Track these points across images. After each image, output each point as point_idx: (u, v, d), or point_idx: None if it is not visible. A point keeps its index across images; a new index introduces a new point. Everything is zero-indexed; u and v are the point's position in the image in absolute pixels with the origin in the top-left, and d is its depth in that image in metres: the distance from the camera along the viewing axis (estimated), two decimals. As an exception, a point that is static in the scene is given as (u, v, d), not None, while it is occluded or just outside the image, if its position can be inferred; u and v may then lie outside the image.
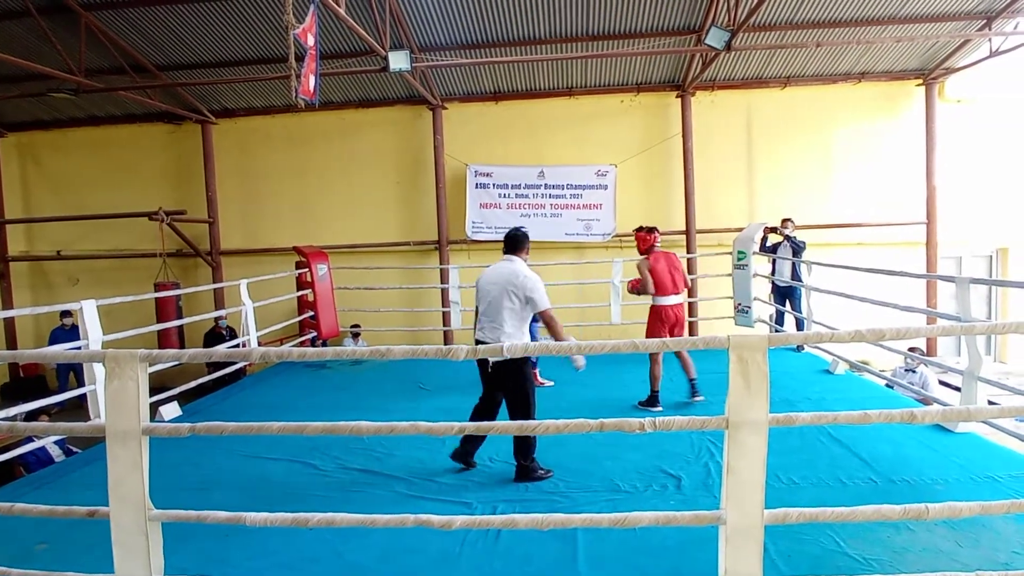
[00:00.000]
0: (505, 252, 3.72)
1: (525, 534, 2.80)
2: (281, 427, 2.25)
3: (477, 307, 3.69)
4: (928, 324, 7.60)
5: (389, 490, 3.47)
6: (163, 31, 8.00)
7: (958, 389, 4.57)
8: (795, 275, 6.71)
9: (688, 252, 9.13)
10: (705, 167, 9.26)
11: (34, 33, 7.44)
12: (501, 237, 9.94)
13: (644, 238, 5.05)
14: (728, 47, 6.72)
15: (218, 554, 2.75)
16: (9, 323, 10.44)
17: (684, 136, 9.18)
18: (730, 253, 7.22)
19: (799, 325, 6.71)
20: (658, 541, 2.74)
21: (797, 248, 6.79)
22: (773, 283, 7.12)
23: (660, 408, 4.83)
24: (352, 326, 8.58)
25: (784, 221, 7.09)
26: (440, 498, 3.33)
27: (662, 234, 9.46)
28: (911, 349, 6.80)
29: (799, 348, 6.57)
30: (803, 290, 6.41)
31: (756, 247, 7.00)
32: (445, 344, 8.50)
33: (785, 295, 6.97)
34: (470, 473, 3.66)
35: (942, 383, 6.90)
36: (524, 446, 3.54)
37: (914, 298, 8.46)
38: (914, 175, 9.12)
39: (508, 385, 3.53)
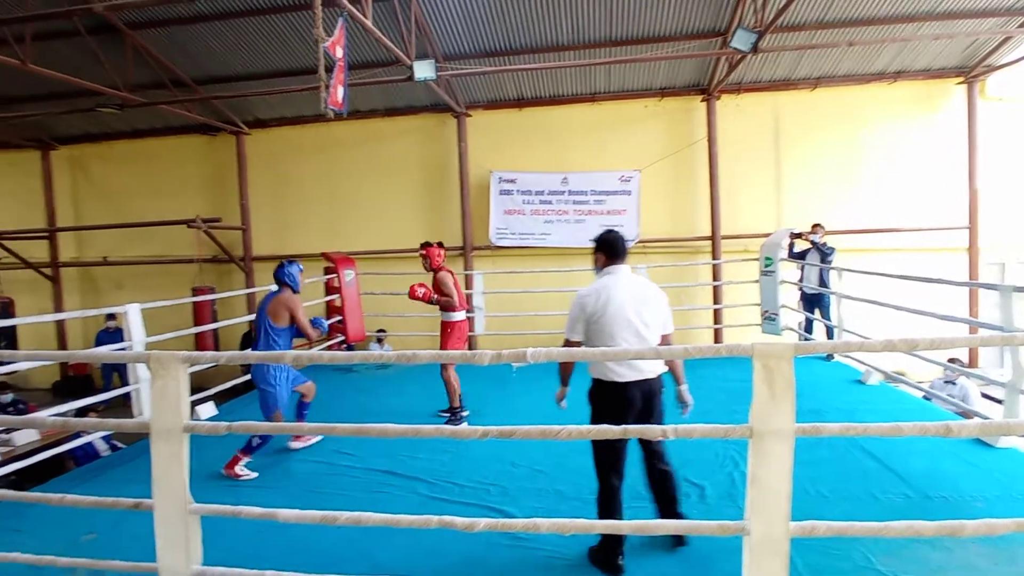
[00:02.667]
0: (620, 260, 2.84)
1: (547, 538, 2.83)
2: (311, 428, 2.33)
3: (609, 335, 2.68)
4: (969, 334, 7.36)
5: (412, 492, 3.54)
6: (201, 47, 8.32)
7: (1001, 402, 4.42)
8: (823, 282, 6.58)
9: (714, 258, 9.03)
10: (731, 171, 9.16)
11: (84, 52, 7.80)
12: (525, 243, 9.93)
13: (438, 253, 4.94)
14: (755, 49, 6.64)
15: (251, 549, 2.85)
16: (60, 325, 10.96)
17: (709, 140, 9.09)
18: (756, 259, 7.12)
19: (829, 333, 6.58)
20: (681, 551, 2.74)
21: (825, 254, 6.67)
22: (801, 290, 6.99)
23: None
24: (378, 331, 8.72)
25: (814, 226, 6.97)
26: (463, 501, 3.38)
27: (687, 240, 9.43)
28: (951, 360, 6.59)
29: (829, 357, 6.44)
30: (833, 297, 6.28)
31: (784, 253, 6.90)
32: (469, 349, 8.57)
33: (814, 302, 6.84)
34: (494, 477, 3.69)
35: (985, 396, 6.65)
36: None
37: (955, 307, 8.20)
38: (954, 178, 8.85)
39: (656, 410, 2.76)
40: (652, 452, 2.83)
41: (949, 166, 8.88)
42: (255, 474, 3.91)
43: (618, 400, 2.68)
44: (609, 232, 2.89)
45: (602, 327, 2.67)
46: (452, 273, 4.98)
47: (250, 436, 3.91)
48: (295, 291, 4.16)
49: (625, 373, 2.66)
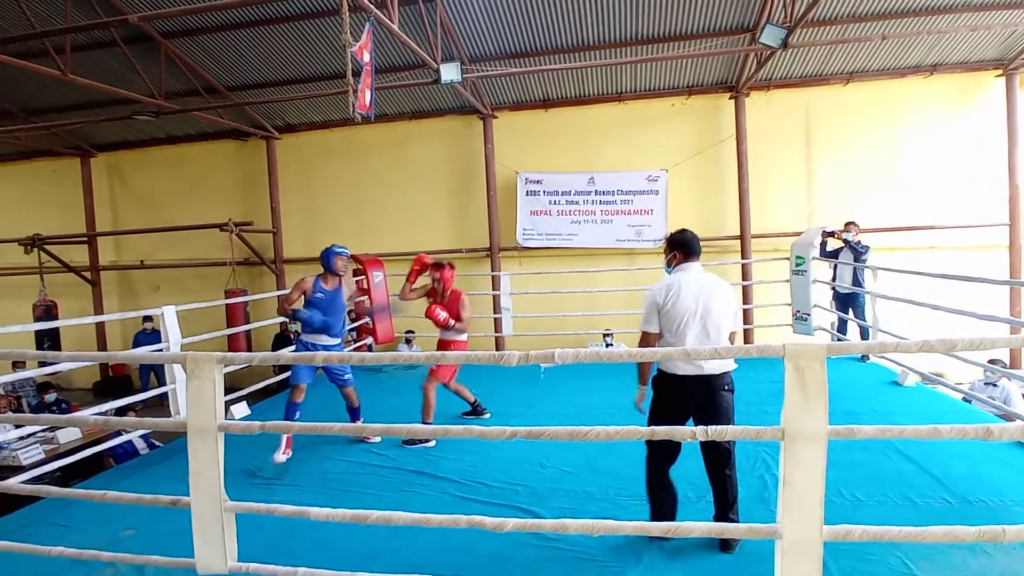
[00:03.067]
0: (695, 258, 2.94)
1: (576, 539, 2.82)
2: (342, 427, 2.37)
3: (677, 327, 2.79)
4: (1010, 334, 7.11)
5: (442, 492, 3.56)
6: (232, 54, 8.53)
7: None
8: (857, 281, 6.42)
9: (743, 257, 8.90)
10: (760, 170, 9.01)
11: (120, 62, 8.08)
12: (552, 244, 9.93)
13: (452, 275, 4.72)
14: (785, 45, 6.53)
15: (284, 545, 2.91)
16: (100, 327, 11.32)
17: (738, 138, 8.96)
18: (787, 258, 7.00)
19: (863, 334, 6.41)
20: (711, 553, 2.70)
21: (859, 252, 6.50)
22: (834, 289, 6.84)
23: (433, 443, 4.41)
24: (407, 332, 8.81)
25: (847, 224, 6.80)
26: (491, 501, 3.39)
27: (716, 240, 9.30)
28: (991, 361, 6.37)
29: (864, 358, 6.29)
30: (867, 297, 6.13)
31: (815, 252, 6.76)
32: (496, 350, 8.59)
33: (847, 302, 6.68)
34: (522, 478, 3.70)
35: (1029, 399, 6.42)
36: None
37: (995, 306, 7.93)
38: (993, 173, 8.55)
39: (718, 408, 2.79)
40: (714, 454, 2.81)
41: (988, 161, 8.58)
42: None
43: (675, 392, 2.80)
44: (683, 231, 3.00)
45: (671, 320, 2.79)
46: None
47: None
48: (331, 272, 4.43)
49: (683, 367, 2.75)
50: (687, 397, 2.78)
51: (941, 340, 1.88)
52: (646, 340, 2.83)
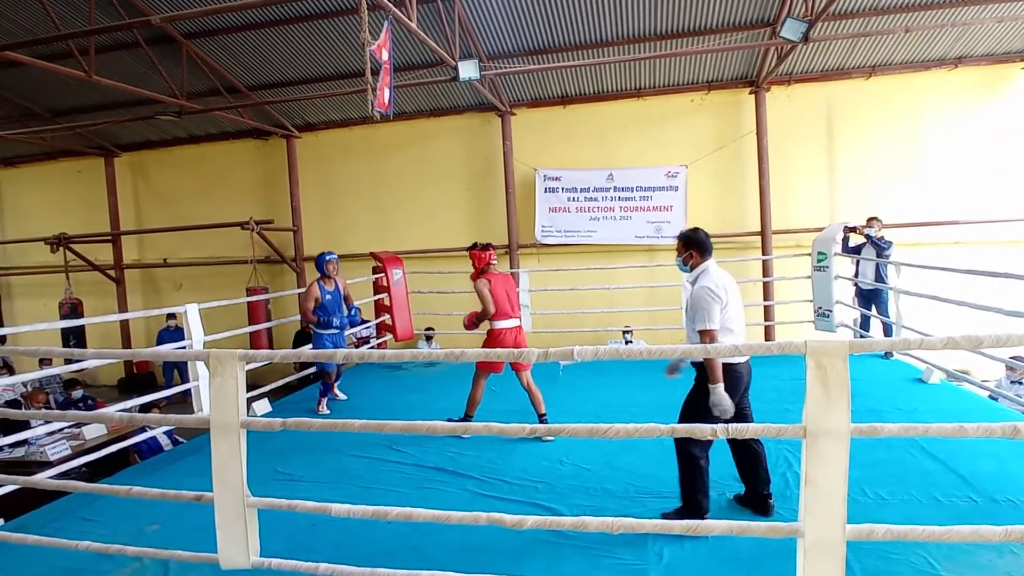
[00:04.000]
0: (711, 256, 3.07)
1: (595, 537, 2.82)
2: (362, 424, 2.39)
3: (735, 321, 2.97)
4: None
5: (462, 488, 3.57)
6: (252, 54, 8.63)
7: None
8: (879, 277, 6.31)
9: (764, 253, 8.79)
10: (781, 165, 8.89)
11: (143, 62, 8.22)
12: (570, 241, 9.90)
13: (480, 256, 4.50)
14: (806, 39, 6.43)
15: (305, 541, 2.95)
16: (124, 324, 11.53)
17: (758, 133, 8.85)
18: (809, 254, 6.90)
19: (886, 330, 6.30)
20: (732, 552, 2.68)
21: (881, 248, 6.38)
22: (857, 286, 6.73)
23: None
24: (426, 329, 8.85)
25: (870, 219, 6.66)
26: (511, 498, 3.40)
27: (736, 236, 9.21)
28: (1013, 358, 6.22)
29: (888, 355, 6.18)
30: (890, 293, 6.02)
31: (838, 248, 6.66)
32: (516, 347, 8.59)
33: (870, 298, 6.56)
34: (541, 475, 3.70)
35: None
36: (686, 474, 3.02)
37: (1022, 302, 7.72)
38: (1020, 166, 8.36)
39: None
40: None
41: (1014, 154, 8.39)
42: (344, 395, 5.67)
43: (736, 379, 2.95)
44: (696, 230, 3.09)
45: (728, 316, 2.92)
46: (507, 277, 4.65)
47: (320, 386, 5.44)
48: (324, 275, 5.27)
49: (739, 356, 2.95)
50: (742, 382, 3.00)
51: (966, 336, 1.84)
52: (712, 338, 2.86)
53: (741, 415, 3.02)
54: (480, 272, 4.51)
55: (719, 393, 2.82)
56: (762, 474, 3.08)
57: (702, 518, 2.88)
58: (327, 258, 5.27)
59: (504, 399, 5.21)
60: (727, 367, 2.91)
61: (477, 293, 4.42)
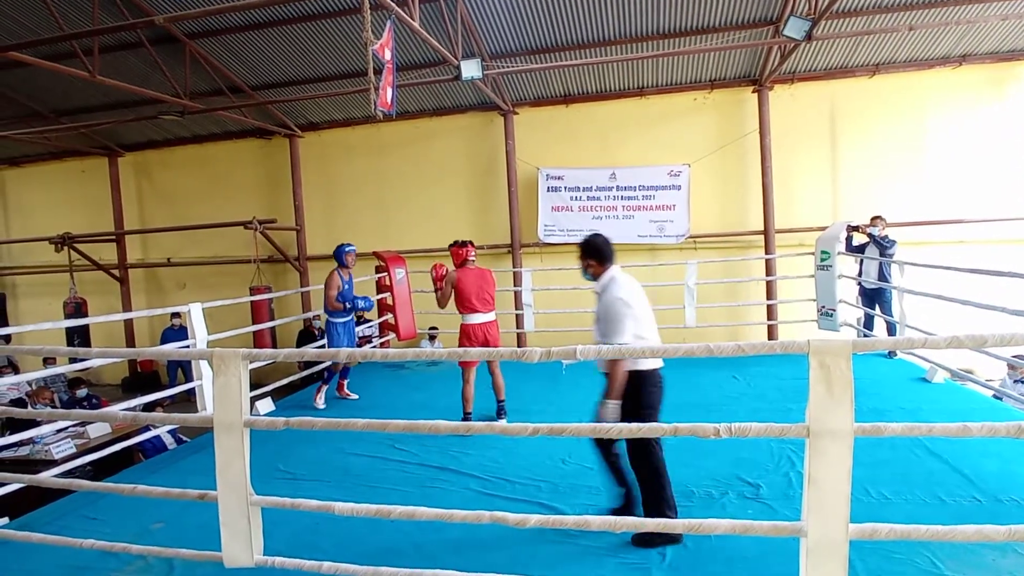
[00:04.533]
0: (614, 262, 2.98)
1: (598, 536, 2.82)
2: (366, 423, 2.39)
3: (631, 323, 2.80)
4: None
5: (464, 488, 3.58)
6: (255, 53, 8.64)
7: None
8: (883, 276, 6.30)
9: (767, 252, 8.77)
10: (784, 164, 8.87)
11: (146, 62, 8.24)
12: (573, 240, 9.90)
13: (457, 252, 4.92)
14: (809, 37, 6.41)
15: (308, 540, 2.96)
16: (128, 323, 11.57)
17: (761, 132, 8.82)
18: (812, 253, 6.89)
19: (890, 329, 6.29)
20: (735, 551, 2.68)
21: (884, 247, 6.36)
22: (860, 285, 6.71)
23: None
24: (430, 328, 8.86)
25: (874, 219, 6.64)
26: (514, 497, 3.40)
27: (739, 235, 9.19)
28: (1017, 357, 6.19)
29: (892, 354, 6.17)
30: (893, 292, 6.01)
31: (841, 246, 6.64)
32: (518, 347, 8.61)
33: (873, 298, 6.55)
34: (544, 474, 3.70)
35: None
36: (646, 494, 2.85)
37: (1027, 301, 7.70)
38: (1024, 165, 8.33)
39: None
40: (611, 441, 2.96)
41: (1019, 153, 8.35)
42: (356, 395, 5.83)
43: (657, 386, 2.85)
44: (593, 237, 3.00)
45: (640, 325, 2.80)
46: (483, 272, 4.88)
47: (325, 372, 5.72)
48: (343, 265, 5.61)
49: (655, 362, 2.83)
50: (662, 389, 2.87)
51: (970, 336, 1.83)
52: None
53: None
54: (458, 267, 4.88)
55: (612, 409, 2.73)
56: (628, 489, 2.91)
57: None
58: (346, 249, 5.68)
59: (507, 399, 5.19)
60: (647, 373, 2.79)
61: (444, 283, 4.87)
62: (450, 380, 6.32)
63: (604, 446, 2.95)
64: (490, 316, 4.83)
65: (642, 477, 2.83)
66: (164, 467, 4.28)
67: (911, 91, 8.62)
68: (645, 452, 2.80)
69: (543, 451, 4.01)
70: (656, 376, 2.84)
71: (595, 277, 2.95)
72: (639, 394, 2.80)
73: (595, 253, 2.93)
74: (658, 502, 2.79)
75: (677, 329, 7.84)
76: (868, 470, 3.34)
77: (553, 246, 9.59)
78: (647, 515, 2.77)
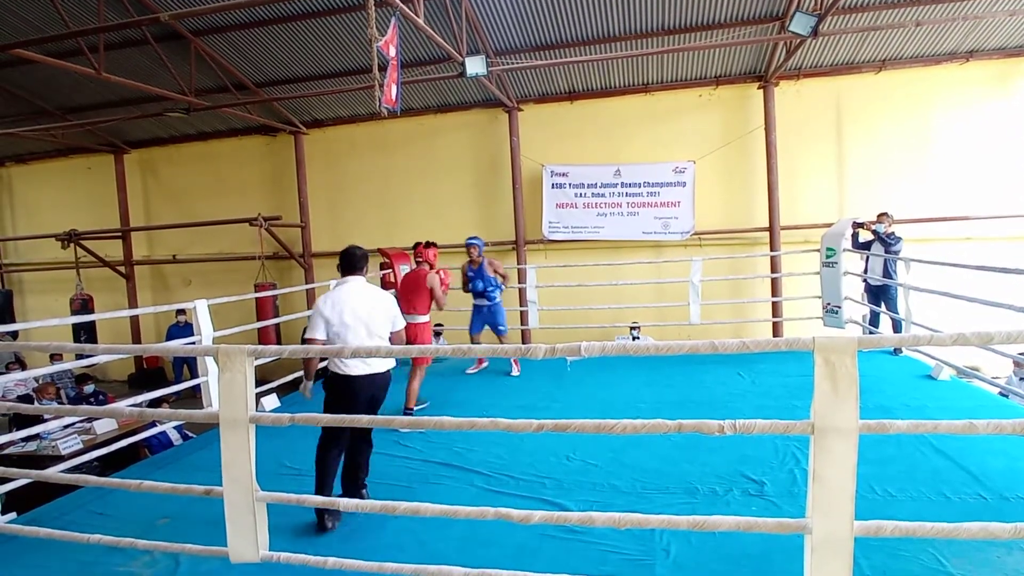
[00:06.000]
0: (355, 273, 3.35)
1: (602, 532, 2.83)
2: (370, 420, 2.41)
3: (336, 332, 3.18)
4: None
5: (469, 484, 3.58)
6: (260, 50, 8.65)
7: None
8: (888, 273, 6.26)
9: (772, 249, 8.74)
10: (790, 160, 8.83)
11: (152, 59, 8.26)
12: (578, 237, 9.89)
13: (427, 252, 5.30)
14: (815, 33, 6.38)
15: (313, 536, 2.97)
16: (134, 320, 11.64)
17: (767, 129, 8.79)
18: (817, 250, 6.86)
19: (895, 327, 6.26)
20: (739, 548, 2.68)
21: (888, 244, 6.32)
22: (866, 282, 6.68)
23: None
24: (436, 325, 8.85)
25: (881, 215, 6.60)
26: (518, 493, 3.41)
27: (744, 232, 9.13)
28: (1023, 354, 6.15)
29: (897, 351, 6.14)
30: (899, 289, 5.98)
31: (847, 243, 6.61)
32: (523, 343, 8.59)
33: (879, 295, 6.52)
34: (548, 470, 3.71)
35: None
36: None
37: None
38: (1032, 161, 8.26)
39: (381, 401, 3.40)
40: (363, 438, 3.33)
41: (1028, 149, 8.28)
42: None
43: (348, 391, 3.18)
44: (350, 248, 3.38)
45: (337, 330, 3.15)
46: (417, 272, 5.26)
47: None
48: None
49: (357, 367, 3.16)
50: (356, 394, 3.18)
51: (976, 333, 1.82)
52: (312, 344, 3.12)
53: (358, 432, 3.27)
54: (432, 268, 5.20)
55: (307, 386, 3.48)
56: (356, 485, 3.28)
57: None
58: (471, 242, 6.34)
59: (511, 395, 5.22)
60: (341, 376, 3.17)
61: (431, 286, 5.06)
62: (455, 377, 6.34)
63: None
64: (411, 319, 4.94)
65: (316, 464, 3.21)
66: (170, 463, 4.31)
67: (918, 87, 8.56)
68: (325, 446, 3.19)
69: (548, 448, 4.01)
70: (349, 381, 3.18)
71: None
72: (329, 394, 3.25)
73: (342, 262, 3.37)
74: (320, 487, 3.15)
75: (682, 326, 7.83)
76: (873, 467, 3.33)
77: (557, 243, 9.59)
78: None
